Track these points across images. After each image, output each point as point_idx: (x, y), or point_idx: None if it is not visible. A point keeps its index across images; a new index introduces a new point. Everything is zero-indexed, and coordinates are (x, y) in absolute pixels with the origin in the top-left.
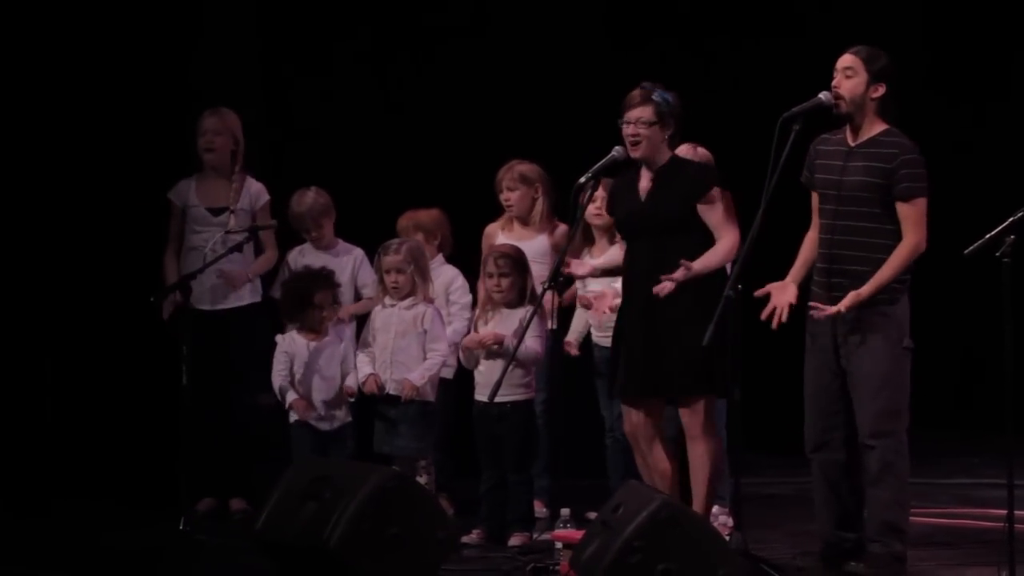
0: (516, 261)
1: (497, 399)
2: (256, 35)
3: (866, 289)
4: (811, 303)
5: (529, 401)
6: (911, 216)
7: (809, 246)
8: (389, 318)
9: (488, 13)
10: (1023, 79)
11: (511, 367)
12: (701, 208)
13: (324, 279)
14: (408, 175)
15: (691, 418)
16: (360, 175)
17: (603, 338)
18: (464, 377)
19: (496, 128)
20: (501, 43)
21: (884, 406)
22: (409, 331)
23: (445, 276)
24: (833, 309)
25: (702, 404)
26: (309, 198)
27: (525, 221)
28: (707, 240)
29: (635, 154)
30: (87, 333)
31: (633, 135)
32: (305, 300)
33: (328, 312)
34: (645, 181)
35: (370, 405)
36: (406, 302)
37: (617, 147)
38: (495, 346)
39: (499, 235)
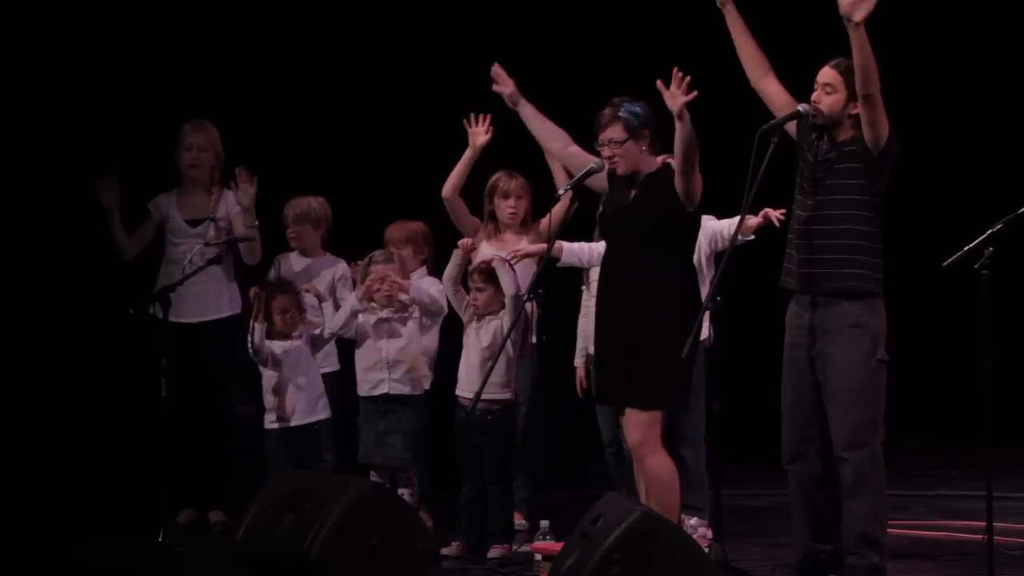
0: (492, 275)
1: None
2: (239, 39)
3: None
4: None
5: (510, 408)
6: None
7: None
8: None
9: (469, 20)
10: (999, 91)
11: (496, 363)
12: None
13: (282, 287)
14: (388, 188)
15: (649, 430)
16: (343, 186)
17: None
18: (442, 390)
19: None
20: (480, 52)
21: (858, 418)
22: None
23: (427, 285)
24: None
25: (659, 416)
26: (308, 199)
27: (514, 227)
28: (685, 253)
29: (619, 171)
30: (66, 345)
31: (609, 156)
32: (266, 308)
33: (290, 316)
34: (633, 188)
35: (354, 417)
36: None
37: (595, 160)
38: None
39: (483, 245)
